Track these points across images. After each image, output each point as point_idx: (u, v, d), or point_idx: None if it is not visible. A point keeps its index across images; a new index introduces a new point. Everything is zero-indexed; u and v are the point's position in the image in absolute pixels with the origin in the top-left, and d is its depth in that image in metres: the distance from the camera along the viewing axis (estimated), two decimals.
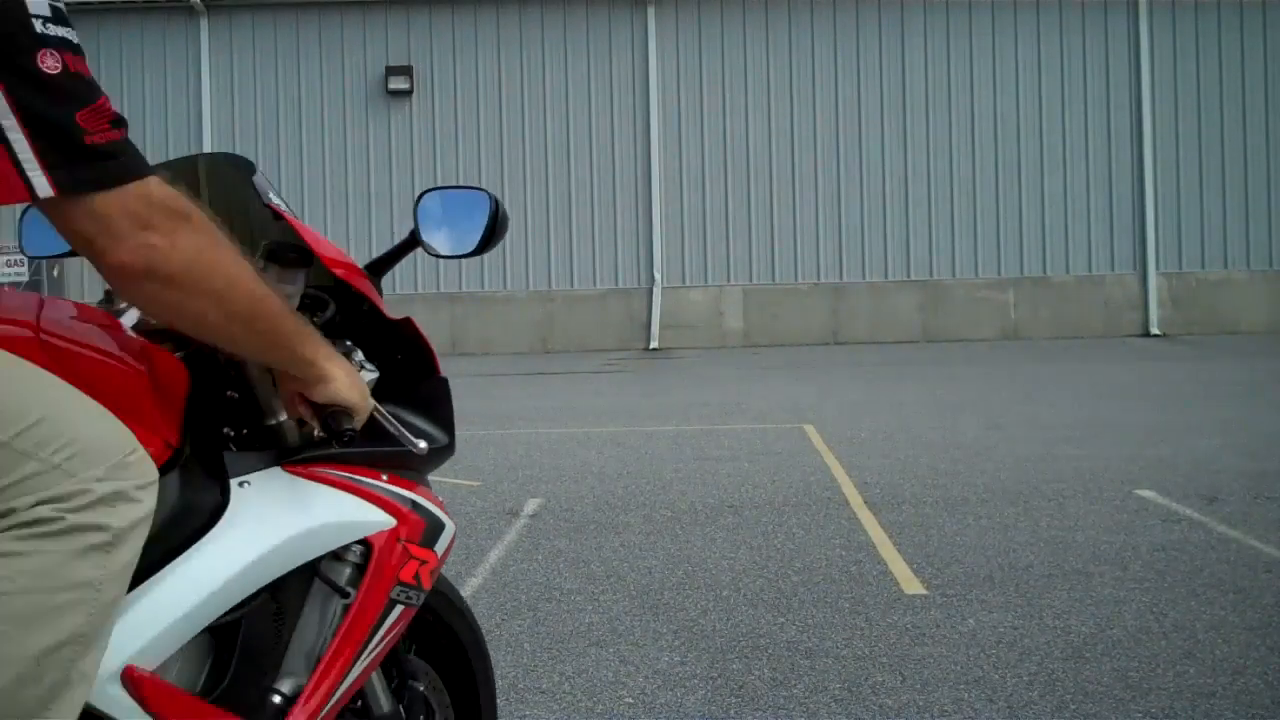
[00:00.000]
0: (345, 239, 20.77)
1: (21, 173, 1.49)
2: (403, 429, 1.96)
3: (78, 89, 1.50)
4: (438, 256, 2.20)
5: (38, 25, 1.47)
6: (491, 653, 4.49)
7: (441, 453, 2.14)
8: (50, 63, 1.47)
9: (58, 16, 1.50)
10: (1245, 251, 20.82)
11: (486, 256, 20.83)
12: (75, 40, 1.51)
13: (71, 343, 1.71)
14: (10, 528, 1.53)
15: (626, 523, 6.75)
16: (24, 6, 1.47)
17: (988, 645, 4.47)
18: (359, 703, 2.09)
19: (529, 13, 20.89)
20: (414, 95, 20.79)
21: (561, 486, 7.88)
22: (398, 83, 20.63)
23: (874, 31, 20.85)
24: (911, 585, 5.31)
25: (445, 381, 2.17)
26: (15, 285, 19.83)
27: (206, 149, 20.72)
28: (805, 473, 8.17)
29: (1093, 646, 4.43)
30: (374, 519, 1.95)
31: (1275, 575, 5.37)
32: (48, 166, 1.48)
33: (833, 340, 20.72)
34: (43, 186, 1.49)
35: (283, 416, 1.89)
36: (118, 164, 1.52)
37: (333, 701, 1.89)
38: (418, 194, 2.22)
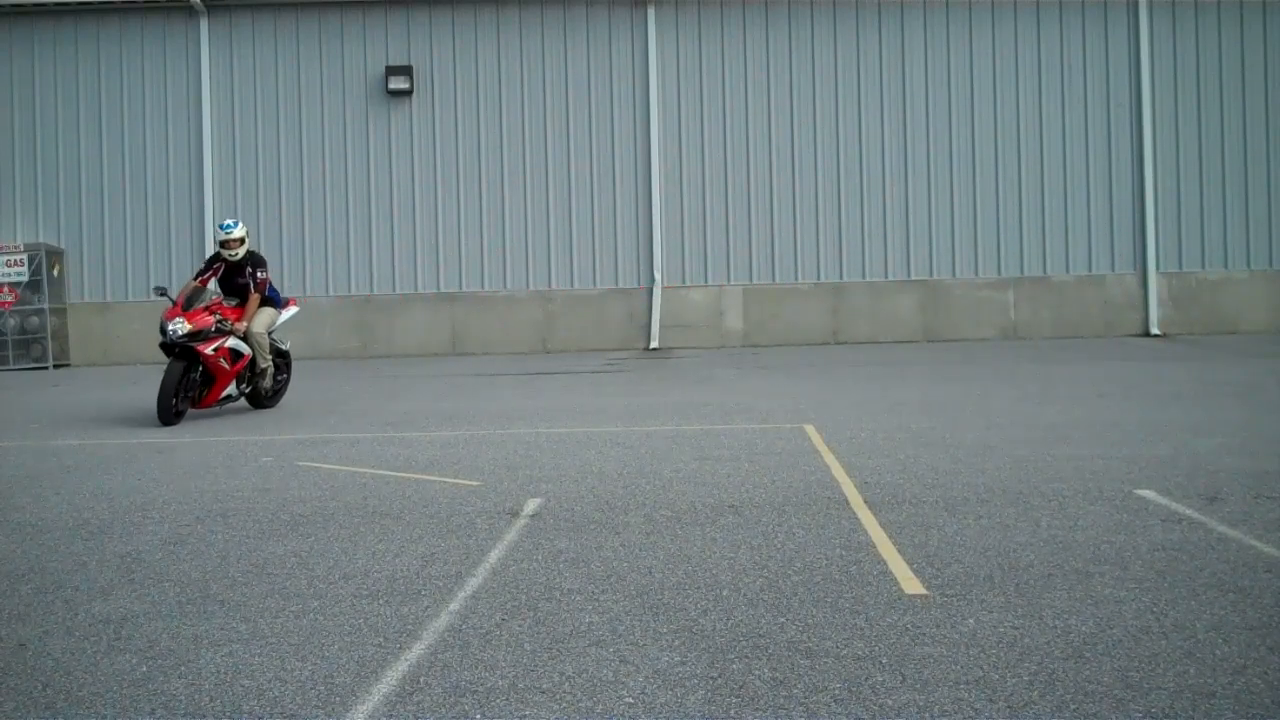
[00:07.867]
0: (345, 238, 20.79)
1: None
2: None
3: None
4: None
5: None
6: (491, 653, 4.51)
7: None
8: None
9: None
10: (1245, 251, 20.84)
11: (486, 256, 20.90)
12: None
13: None
14: None
15: (626, 523, 6.74)
16: None
17: (988, 645, 4.47)
18: None
19: (529, 13, 20.91)
20: (414, 95, 20.81)
21: (561, 486, 7.87)
22: (398, 83, 20.65)
23: (874, 32, 20.86)
24: (911, 585, 5.31)
25: None
26: (16, 285, 19.80)
27: (207, 149, 20.74)
28: (805, 473, 8.16)
29: (1093, 646, 4.43)
30: None
31: (1275, 575, 5.36)
32: None
33: (833, 340, 20.73)
34: None
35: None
36: None
37: None
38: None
